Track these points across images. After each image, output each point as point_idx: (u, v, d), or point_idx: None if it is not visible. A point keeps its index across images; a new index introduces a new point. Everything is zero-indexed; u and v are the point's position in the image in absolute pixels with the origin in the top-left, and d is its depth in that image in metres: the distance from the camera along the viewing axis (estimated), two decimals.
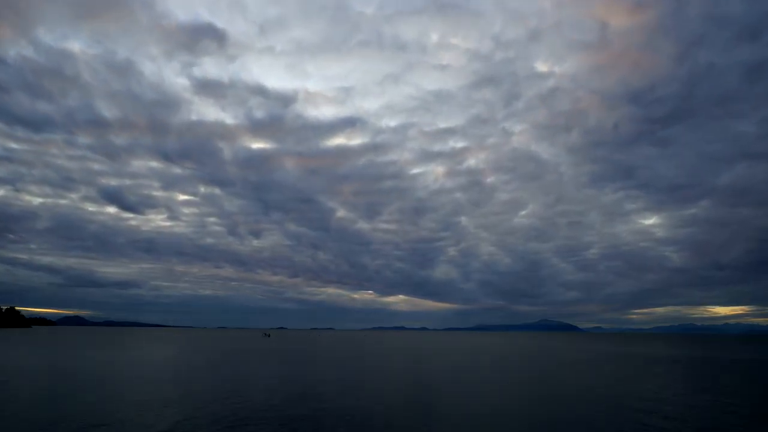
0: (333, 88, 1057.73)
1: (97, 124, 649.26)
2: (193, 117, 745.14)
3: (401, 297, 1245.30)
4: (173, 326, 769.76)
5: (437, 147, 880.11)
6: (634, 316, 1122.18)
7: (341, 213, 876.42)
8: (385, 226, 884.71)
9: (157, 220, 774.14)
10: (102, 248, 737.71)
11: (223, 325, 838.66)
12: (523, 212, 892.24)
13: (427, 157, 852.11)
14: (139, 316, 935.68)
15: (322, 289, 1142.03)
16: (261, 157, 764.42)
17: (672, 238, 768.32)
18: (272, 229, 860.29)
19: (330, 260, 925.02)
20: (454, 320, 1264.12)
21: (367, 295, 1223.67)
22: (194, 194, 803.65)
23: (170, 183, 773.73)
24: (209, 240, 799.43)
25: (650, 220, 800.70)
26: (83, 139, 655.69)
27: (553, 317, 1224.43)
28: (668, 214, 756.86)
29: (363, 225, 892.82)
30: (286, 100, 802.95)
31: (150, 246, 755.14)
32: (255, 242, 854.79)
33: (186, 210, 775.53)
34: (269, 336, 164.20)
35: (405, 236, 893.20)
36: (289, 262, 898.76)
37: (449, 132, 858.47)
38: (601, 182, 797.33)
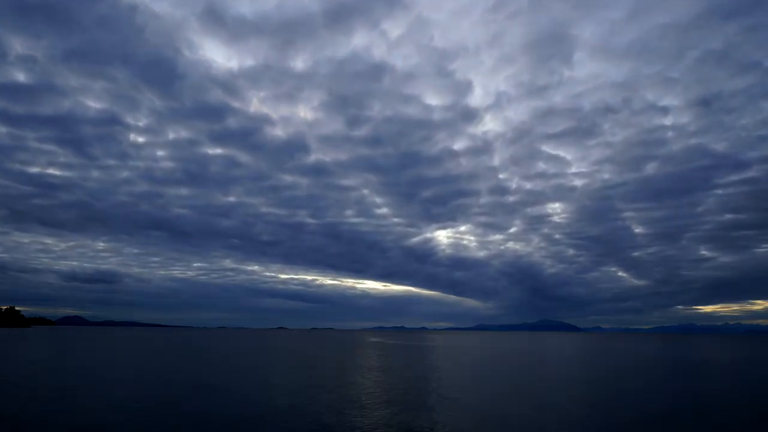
0: None
1: None
2: None
3: (407, 289, 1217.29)
4: (174, 326, 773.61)
5: None
6: (633, 316, 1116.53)
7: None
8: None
9: None
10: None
11: (223, 325, 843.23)
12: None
13: None
14: (139, 315, 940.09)
15: (324, 283, 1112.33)
16: None
17: None
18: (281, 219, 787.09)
19: (332, 251, 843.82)
20: (456, 320, 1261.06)
21: (370, 291, 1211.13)
22: None
23: None
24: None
25: None
26: None
27: (554, 317, 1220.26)
28: None
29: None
30: None
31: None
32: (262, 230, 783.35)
33: None
34: None
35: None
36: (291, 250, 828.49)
37: None
38: None
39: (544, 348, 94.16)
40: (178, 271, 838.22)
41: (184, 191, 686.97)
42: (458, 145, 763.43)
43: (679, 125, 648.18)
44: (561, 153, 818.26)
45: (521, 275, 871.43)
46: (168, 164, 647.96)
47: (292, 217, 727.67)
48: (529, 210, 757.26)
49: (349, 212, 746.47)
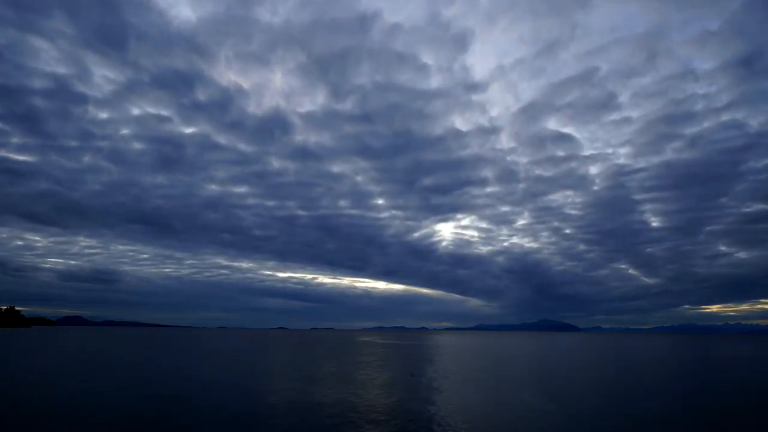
0: None
1: None
2: None
3: (407, 288, 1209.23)
4: (174, 326, 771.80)
5: None
6: (637, 316, 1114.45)
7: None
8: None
9: None
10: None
11: (224, 325, 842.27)
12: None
13: None
14: (139, 315, 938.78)
15: (325, 281, 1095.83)
16: None
17: None
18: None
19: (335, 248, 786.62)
20: (456, 320, 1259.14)
21: (370, 290, 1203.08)
22: None
23: None
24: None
25: None
26: None
27: (555, 317, 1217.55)
28: None
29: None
30: None
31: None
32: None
33: None
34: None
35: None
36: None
37: None
38: None
39: (552, 349, 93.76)
40: (170, 269, 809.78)
41: (160, 178, 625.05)
42: (459, 121, 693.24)
43: (711, 94, 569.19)
44: (572, 132, 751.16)
45: (526, 273, 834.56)
46: (137, 145, 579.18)
47: (282, 209, 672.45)
48: (537, 200, 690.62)
49: (342, 203, 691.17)
